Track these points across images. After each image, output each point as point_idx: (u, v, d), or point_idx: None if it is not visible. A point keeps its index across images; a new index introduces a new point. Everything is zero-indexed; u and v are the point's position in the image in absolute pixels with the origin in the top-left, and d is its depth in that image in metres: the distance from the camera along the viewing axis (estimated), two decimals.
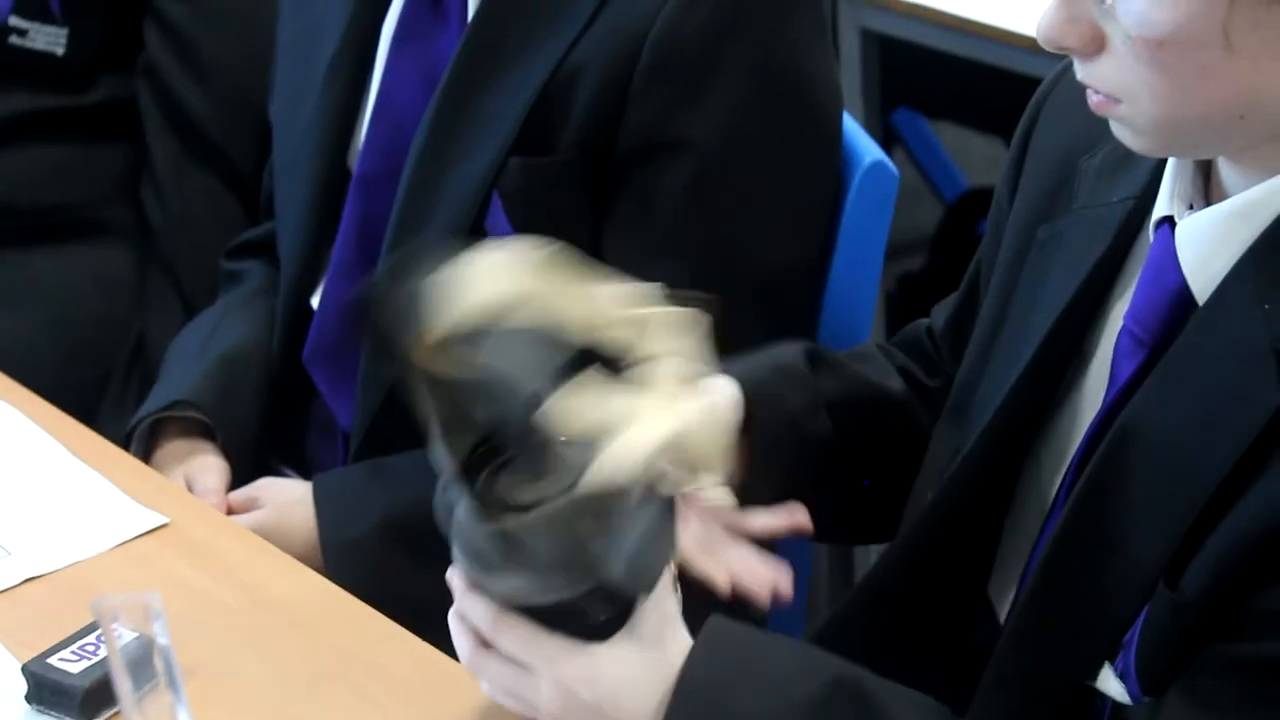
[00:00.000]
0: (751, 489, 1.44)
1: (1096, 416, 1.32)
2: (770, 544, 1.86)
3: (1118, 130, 1.26)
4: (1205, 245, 1.26)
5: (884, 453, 1.57)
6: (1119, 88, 1.22)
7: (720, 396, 1.45)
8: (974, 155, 3.72)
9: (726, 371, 1.46)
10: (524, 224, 1.75)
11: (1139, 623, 1.23)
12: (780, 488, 1.49)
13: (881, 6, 2.60)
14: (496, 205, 1.75)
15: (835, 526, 1.61)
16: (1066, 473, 1.35)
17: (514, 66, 1.74)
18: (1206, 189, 1.29)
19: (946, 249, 3.49)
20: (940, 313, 1.64)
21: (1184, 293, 1.27)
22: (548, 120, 1.74)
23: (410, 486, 1.74)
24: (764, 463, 1.47)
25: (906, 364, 1.62)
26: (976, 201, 3.53)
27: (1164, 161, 1.31)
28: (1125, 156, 1.34)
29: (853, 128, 1.85)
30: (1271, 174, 1.22)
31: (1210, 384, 1.22)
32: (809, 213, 1.79)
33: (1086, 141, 1.39)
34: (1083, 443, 1.33)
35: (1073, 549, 1.28)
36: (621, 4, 1.72)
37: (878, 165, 1.81)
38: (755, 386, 1.48)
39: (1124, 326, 1.31)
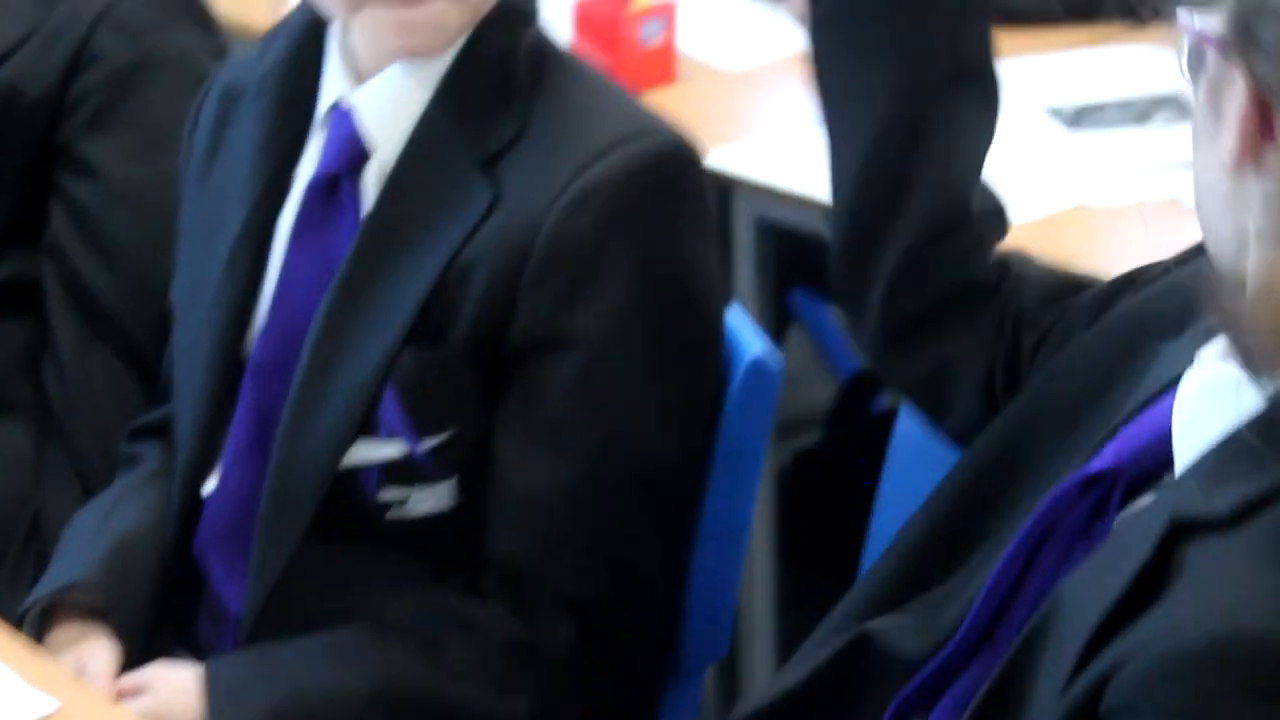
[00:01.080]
0: None
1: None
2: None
3: None
4: (1197, 408, 1.31)
5: None
6: None
7: None
8: None
9: None
10: (417, 414, 1.79)
11: None
12: None
13: (777, 198, 2.64)
14: (390, 395, 1.79)
15: None
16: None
17: (408, 261, 1.79)
18: None
19: (841, 425, 3.54)
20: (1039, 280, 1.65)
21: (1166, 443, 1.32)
22: (441, 313, 1.78)
23: (298, 675, 1.77)
24: None
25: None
26: (870, 380, 3.59)
27: None
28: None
29: (738, 320, 1.91)
30: None
31: (1122, 546, 1.26)
32: (692, 406, 1.83)
33: (1171, 324, 1.44)
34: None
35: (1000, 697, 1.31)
36: (513, 203, 1.77)
37: (760, 360, 1.86)
38: None
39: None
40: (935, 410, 1.67)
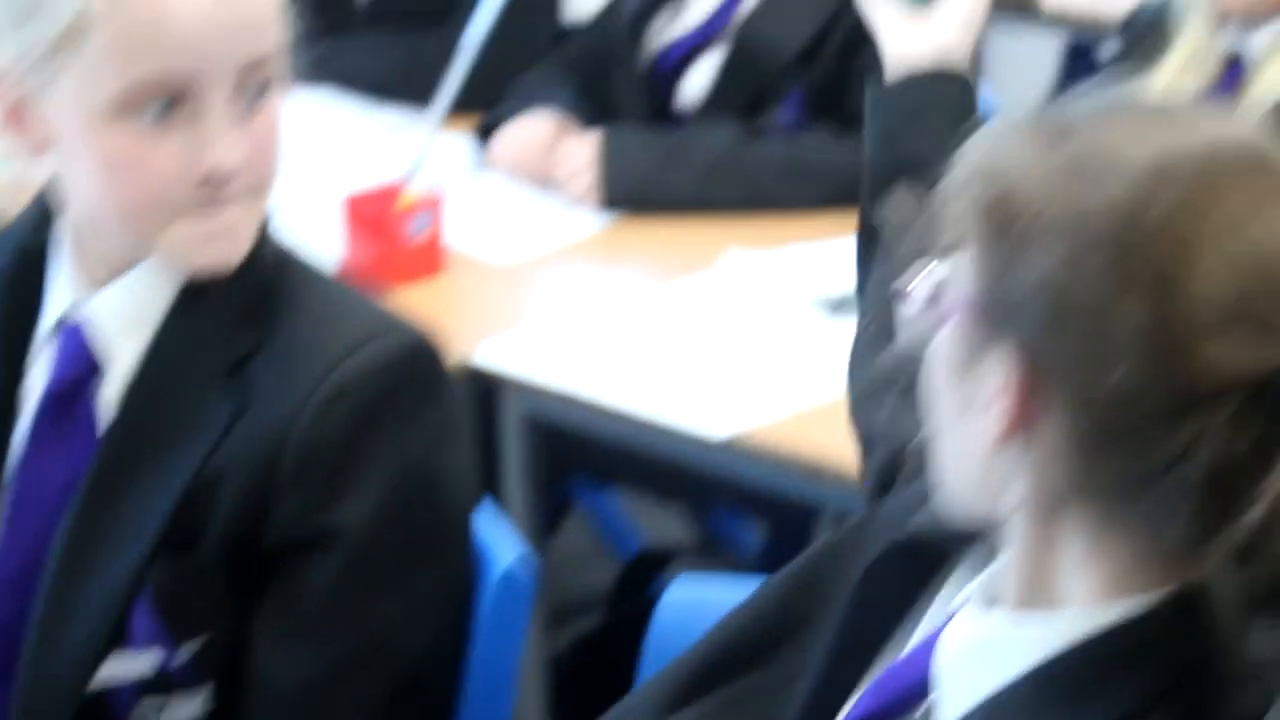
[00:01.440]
0: None
1: None
2: None
3: None
4: (966, 659, 1.23)
5: None
6: None
7: None
8: (654, 515, 3.79)
9: None
10: (172, 622, 1.77)
11: None
12: None
13: (543, 392, 2.64)
14: (143, 606, 1.77)
15: None
16: None
17: (153, 473, 1.78)
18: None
19: (621, 609, 3.54)
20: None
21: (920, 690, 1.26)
22: (192, 522, 1.77)
23: None
24: None
25: None
26: (650, 562, 3.60)
27: None
28: None
29: (494, 524, 1.91)
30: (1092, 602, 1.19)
31: None
32: (444, 600, 1.84)
33: None
34: None
35: None
36: (260, 409, 1.77)
37: (511, 572, 1.86)
38: None
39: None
40: (863, 464, 1.66)
